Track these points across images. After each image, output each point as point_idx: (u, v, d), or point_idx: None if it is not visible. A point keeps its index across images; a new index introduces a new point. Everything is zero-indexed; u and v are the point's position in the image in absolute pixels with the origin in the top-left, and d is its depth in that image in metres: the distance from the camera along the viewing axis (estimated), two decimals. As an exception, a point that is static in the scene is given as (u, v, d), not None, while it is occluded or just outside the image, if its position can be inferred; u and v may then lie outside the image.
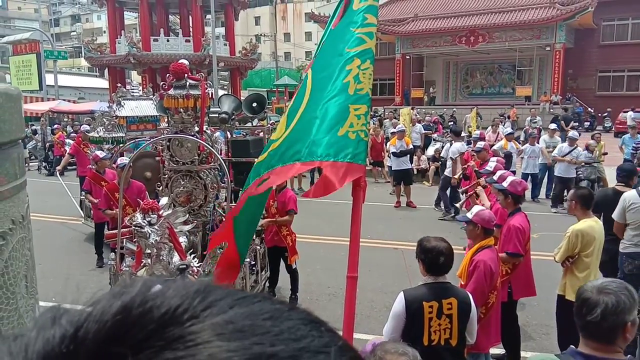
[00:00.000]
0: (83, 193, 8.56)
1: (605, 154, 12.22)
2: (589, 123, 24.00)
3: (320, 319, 0.40)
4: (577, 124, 22.37)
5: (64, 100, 24.95)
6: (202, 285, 0.38)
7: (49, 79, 26.87)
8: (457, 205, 7.70)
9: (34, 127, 20.63)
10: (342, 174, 2.23)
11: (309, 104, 2.49)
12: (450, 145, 10.57)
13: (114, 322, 0.33)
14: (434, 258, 3.12)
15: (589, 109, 26.58)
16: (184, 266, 3.27)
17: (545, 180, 11.77)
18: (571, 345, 2.11)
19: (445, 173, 10.49)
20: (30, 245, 1.85)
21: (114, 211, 6.63)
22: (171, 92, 5.37)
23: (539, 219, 9.14)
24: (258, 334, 0.34)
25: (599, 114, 25.65)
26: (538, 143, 12.22)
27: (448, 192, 10.41)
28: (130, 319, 0.34)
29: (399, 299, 3.12)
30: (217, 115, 5.99)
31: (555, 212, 10.60)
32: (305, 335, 0.36)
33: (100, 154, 7.96)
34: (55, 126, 19.17)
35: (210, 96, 5.71)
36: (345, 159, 2.25)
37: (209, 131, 5.85)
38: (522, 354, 4.78)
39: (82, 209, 9.62)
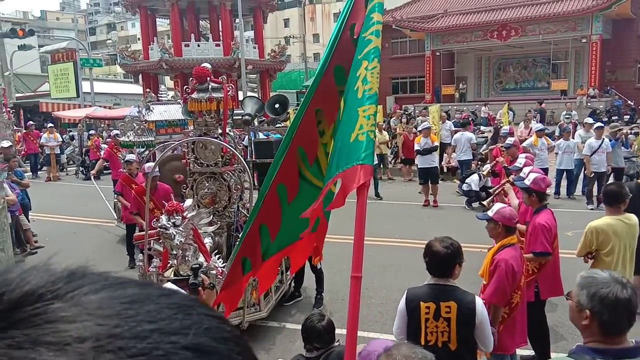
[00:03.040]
0: (115, 195, 8.80)
1: (645, 148, 11.75)
2: (628, 116, 23.09)
3: (201, 304, 0.40)
4: (616, 117, 21.58)
5: (99, 106, 25.69)
6: (69, 270, 0.38)
7: (86, 86, 27.69)
8: (485, 203, 7.53)
9: (71, 133, 21.33)
10: (357, 177, 2.21)
11: (341, 122, 2.51)
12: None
13: None
14: (424, 257, 3.09)
15: (629, 102, 25.56)
16: (197, 265, 3.30)
17: (582, 176, 11.38)
18: (577, 344, 2.06)
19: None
20: (5, 246, 1.88)
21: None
22: (194, 95, 5.46)
23: (574, 216, 8.85)
24: (106, 316, 0.34)
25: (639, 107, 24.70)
26: (573, 138, 11.83)
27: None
28: None
29: (403, 296, 3.13)
30: (240, 117, 6.05)
31: (591, 209, 10.23)
32: (165, 318, 0.36)
33: (130, 157, 8.17)
34: (92, 132, 19.76)
35: (232, 98, 5.78)
36: (357, 162, 2.23)
37: (232, 133, 5.92)
38: (553, 355, 4.63)
39: (115, 212, 9.89)
